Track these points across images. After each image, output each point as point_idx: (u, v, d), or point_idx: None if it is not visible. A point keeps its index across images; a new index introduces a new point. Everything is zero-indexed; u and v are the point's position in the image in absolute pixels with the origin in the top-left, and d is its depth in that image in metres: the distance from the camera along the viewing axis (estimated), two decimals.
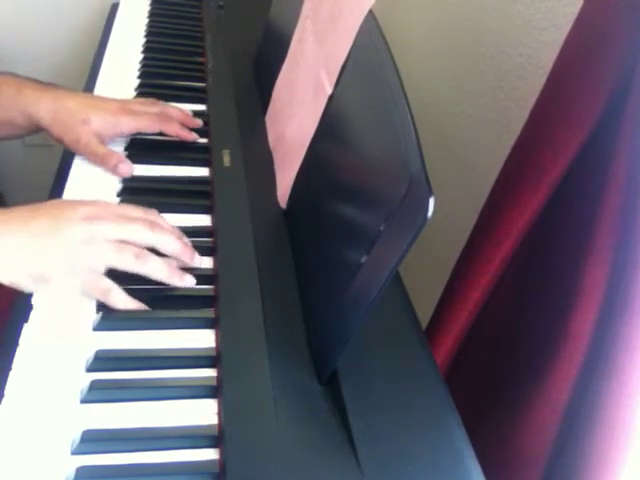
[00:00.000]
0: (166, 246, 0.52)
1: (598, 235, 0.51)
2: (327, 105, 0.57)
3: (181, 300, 0.52)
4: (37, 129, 0.66)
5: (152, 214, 0.54)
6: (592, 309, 0.52)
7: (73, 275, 0.49)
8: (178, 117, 0.70)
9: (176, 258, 0.53)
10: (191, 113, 0.72)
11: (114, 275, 0.51)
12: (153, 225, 0.52)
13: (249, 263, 0.54)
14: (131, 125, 0.66)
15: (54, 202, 0.53)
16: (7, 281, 0.48)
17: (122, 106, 0.67)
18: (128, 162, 0.64)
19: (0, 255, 0.47)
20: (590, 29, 0.50)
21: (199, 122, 0.71)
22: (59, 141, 0.65)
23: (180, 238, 0.54)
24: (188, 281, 0.53)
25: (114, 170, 0.63)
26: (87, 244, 0.49)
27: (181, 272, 0.53)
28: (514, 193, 0.57)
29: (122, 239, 0.50)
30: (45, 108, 0.63)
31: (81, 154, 0.65)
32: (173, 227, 0.55)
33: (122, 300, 0.50)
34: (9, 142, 0.67)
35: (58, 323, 0.48)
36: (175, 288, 0.52)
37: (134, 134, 0.68)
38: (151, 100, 0.71)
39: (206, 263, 0.55)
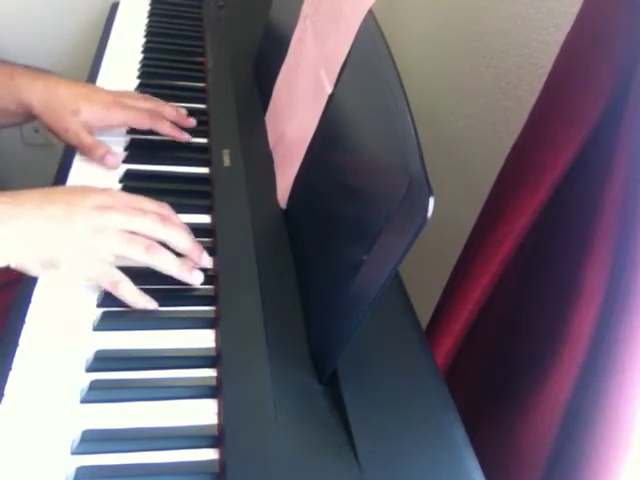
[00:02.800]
0: (177, 242, 0.51)
1: (598, 235, 0.51)
2: (327, 105, 0.57)
3: (181, 300, 0.52)
4: (30, 117, 0.65)
5: (164, 208, 0.54)
6: (592, 309, 0.52)
7: (83, 262, 0.48)
8: (171, 116, 0.69)
9: (185, 255, 0.52)
10: (185, 112, 0.71)
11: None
12: (165, 219, 0.51)
13: (249, 263, 0.54)
14: (121, 118, 0.65)
15: (66, 188, 0.52)
16: (15, 264, 0.47)
17: (114, 98, 0.66)
18: (115, 154, 0.64)
19: (11, 237, 0.46)
20: (590, 29, 0.50)
21: (193, 122, 0.71)
22: (48, 128, 0.65)
23: (190, 236, 0.53)
24: (196, 277, 0.52)
25: (101, 161, 0.63)
26: (98, 232, 0.48)
27: (190, 268, 0.52)
28: (514, 193, 0.57)
29: (133, 230, 0.49)
30: (37, 96, 0.63)
31: (68, 143, 0.65)
32: (183, 224, 0.54)
33: (131, 293, 0.49)
34: (9, 141, 0.67)
35: (58, 323, 0.48)
36: (175, 288, 0.52)
37: (130, 131, 0.68)
38: (146, 96, 0.71)
39: (206, 263, 0.55)
